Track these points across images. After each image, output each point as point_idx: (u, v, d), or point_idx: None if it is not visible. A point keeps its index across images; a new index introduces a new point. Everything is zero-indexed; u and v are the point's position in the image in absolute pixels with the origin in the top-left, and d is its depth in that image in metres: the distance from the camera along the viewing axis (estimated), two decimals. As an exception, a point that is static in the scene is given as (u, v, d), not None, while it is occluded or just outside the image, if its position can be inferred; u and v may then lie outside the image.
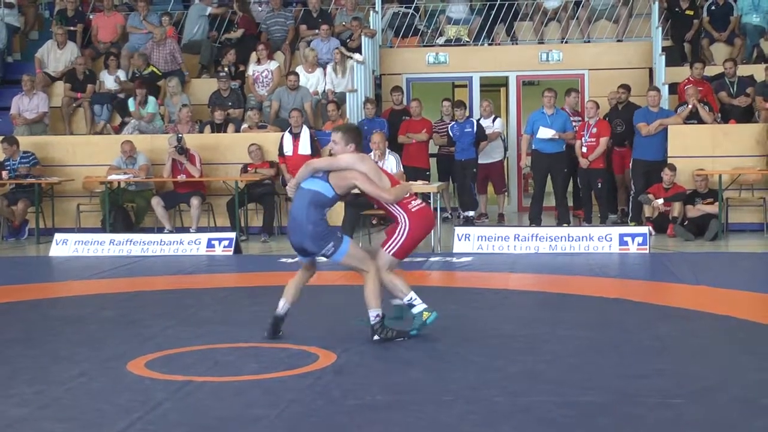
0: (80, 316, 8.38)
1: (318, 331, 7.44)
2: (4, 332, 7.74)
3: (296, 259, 10.23)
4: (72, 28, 16.96)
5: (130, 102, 15.28)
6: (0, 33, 16.93)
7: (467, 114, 14.56)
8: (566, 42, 16.65)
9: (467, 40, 16.87)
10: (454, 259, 11.41)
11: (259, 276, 10.66)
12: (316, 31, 16.17)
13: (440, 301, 8.84)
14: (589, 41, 16.68)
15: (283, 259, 11.52)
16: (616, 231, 12.00)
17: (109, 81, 15.92)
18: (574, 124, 13.99)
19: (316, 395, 5.71)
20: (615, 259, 11.43)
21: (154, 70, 15.75)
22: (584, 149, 13.64)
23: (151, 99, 15.22)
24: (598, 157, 13.65)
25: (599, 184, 13.68)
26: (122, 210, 14.10)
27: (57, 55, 16.43)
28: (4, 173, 13.94)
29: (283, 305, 7.19)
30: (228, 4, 17.35)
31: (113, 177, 13.80)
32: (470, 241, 12.02)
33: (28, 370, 6.40)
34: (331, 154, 7.28)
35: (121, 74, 15.90)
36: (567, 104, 14.48)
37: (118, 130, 15.24)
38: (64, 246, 12.59)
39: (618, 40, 16.61)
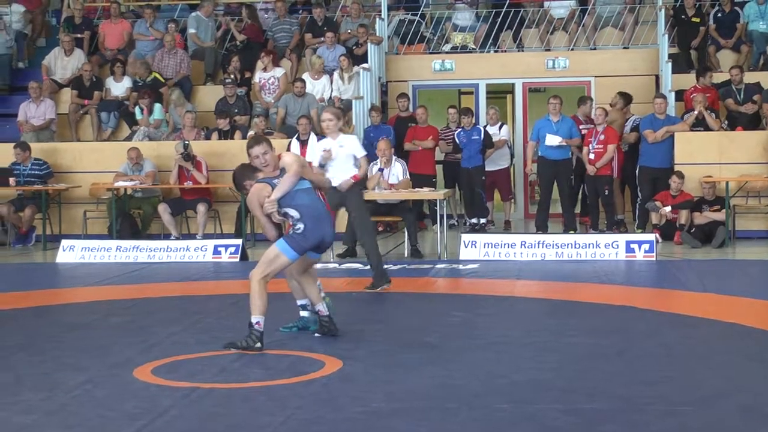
0: (86, 323, 8.39)
1: (324, 338, 7.43)
2: (10, 339, 7.74)
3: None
4: (79, 35, 17.03)
5: (137, 110, 15.31)
6: (9, 40, 16.97)
7: (474, 121, 14.55)
8: (572, 49, 16.65)
9: (473, 47, 16.87)
10: (461, 266, 11.40)
11: (265, 283, 10.64)
12: (322, 39, 16.20)
13: (446, 307, 8.87)
14: (595, 48, 16.68)
15: (289, 266, 11.48)
16: (623, 238, 11.98)
17: (115, 88, 15.96)
18: (584, 131, 13.97)
19: (322, 402, 5.71)
20: (621, 266, 11.41)
21: (157, 76, 15.77)
22: (591, 156, 13.63)
23: (157, 106, 15.27)
24: (605, 164, 13.62)
25: (606, 191, 13.66)
26: (129, 216, 14.12)
27: (64, 62, 16.48)
28: (12, 180, 13.96)
29: (321, 304, 7.42)
30: (236, 12, 17.40)
31: (120, 183, 13.83)
32: (476, 248, 12.00)
33: (34, 377, 6.41)
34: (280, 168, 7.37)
35: (127, 81, 15.94)
36: (581, 113, 14.45)
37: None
38: (70, 252, 12.61)
39: (624, 47, 16.61)
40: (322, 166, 9.58)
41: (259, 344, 6.97)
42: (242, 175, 7.49)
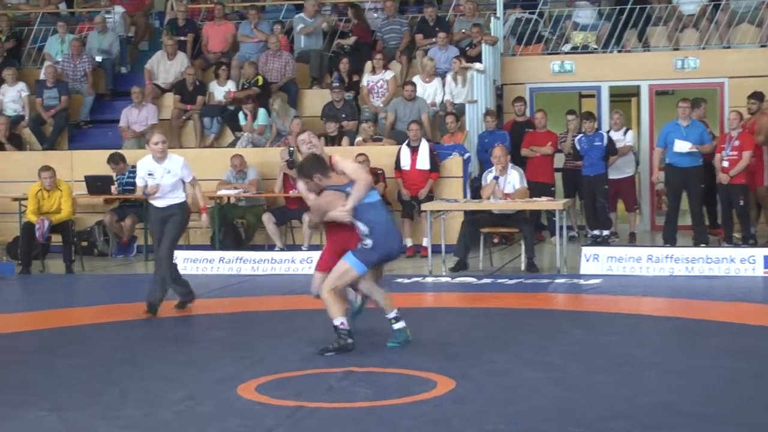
0: (189, 337, 8.58)
1: (436, 355, 7.46)
2: (113, 353, 7.97)
3: (412, 280, 10.33)
4: (182, 38, 17.39)
5: (241, 115, 15.56)
6: (113, 45, 17.41)
7: (596, 126, 14.40)
8: (704, 48, 16.35)
9: (595, 47, 16.71)
10: (582, 281, 11.30)
11: (374, 297, 10.70)
12: (433, 39, 16.23)
13: (566, 325, 8.80)
14: (729, 47, 16.34)
15: (399, 279, 11.56)
16: (760, 252, 11.71)
17: (219, 92, 16.26)
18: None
19: (434, 424, 5.72)
20: (759, 283, 11.14)
21: (260, 78, 15.93)
22: (725, 163, 13.34)
23: (262, 111, 15.48)
24: (740, 172, 13.32)
25: (741, 201, 13.35)
26: (232, 226, 14.35)
27: (167, 66, 16.85)
28: (114, 188, 14.32)
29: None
30: (342, 12, 17.56)
31: (223, 192, 14.07)
32: (599, 261, 11.88)
33: (137, 392, 6.58)
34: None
35: (231, 85, 16.21)
36: (695, 116, 14.18)
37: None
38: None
39: (762, 45, 16.22)
40: (145, 194, 9.68)
41: (350, 339, 7.62)
42: (315, 166, 7.85)
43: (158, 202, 9.68)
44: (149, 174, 9.62)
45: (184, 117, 16.27)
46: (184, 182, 9.77)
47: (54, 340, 8.70)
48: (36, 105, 16.44)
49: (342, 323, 7.63)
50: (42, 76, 16.78)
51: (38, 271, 13.15)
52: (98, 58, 17.19)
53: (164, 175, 9.61)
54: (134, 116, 15.92)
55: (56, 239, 13.43)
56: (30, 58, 18.30)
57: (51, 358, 7.82)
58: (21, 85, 16.64)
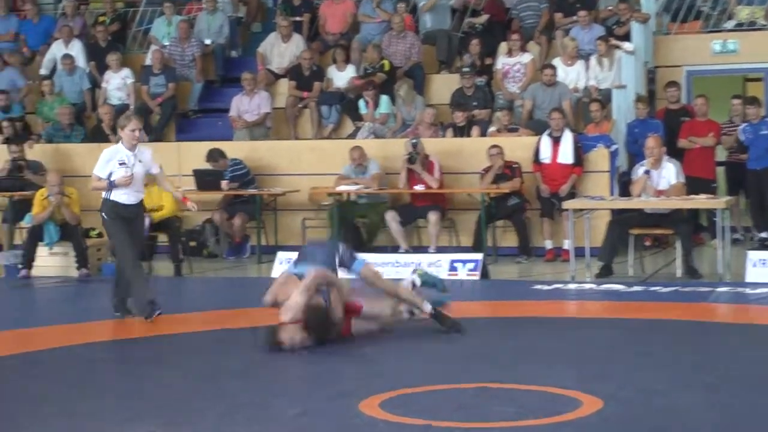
0: (306, 346, 8.62)
1: (580, 372, 7.38)
2: (223, 363, 8.08)
3: (553, 287, 10.31)
4: (298, 18, 17.51)
5: (361, 103, 15.64)
6: (223, 27, 17.63)
7: (763, 113, 14.07)
8: None
9: (764, 23, 16.32)
10: (747, 290, 11.06)
11: (510, 305, 10.64)
12: (575, 17, 16.06)
13: (729, 340, 8.62)
14: None
15: (538, 286, 11.48)
16: None
17: (338, 78, 16.35)
18: None
19: (579, 449, 5.67)
20: None
21: (385, 63, 15.96)
22: None
23: (384, 98, 15.52)
24: None
25: None
26: (352, 226, 14.42)
27: (281, 50, 17.00)
28: (225, 183, 14.49)
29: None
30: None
31: (342, 188, 14.16)
32: (767, 267, 11.62)
33: (247, 407, 6.65)
34: None
35: (351, 70, 16.29)
36: None
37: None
38: (287, 266, 12.98)
39: None
40: (114, 185, 9.58)
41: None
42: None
43: (125, 198, 9.73)
44: (121, 163, 9.66)
45: (299, 105, 16.41)
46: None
47: (163, 348, 8.87)
48: (141, 93, 16.78)
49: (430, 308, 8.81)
50: (148, 62, 17.13)
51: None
52: (207, 42, 17.42)
53: (135, 164, 9.72)
54: (246, 105, 16.12)
55: (162, 238, 13.67)
56: (135, 42, 18.69)
57: (160, 368, 7.99)
58: (126, 72, 16.99)
